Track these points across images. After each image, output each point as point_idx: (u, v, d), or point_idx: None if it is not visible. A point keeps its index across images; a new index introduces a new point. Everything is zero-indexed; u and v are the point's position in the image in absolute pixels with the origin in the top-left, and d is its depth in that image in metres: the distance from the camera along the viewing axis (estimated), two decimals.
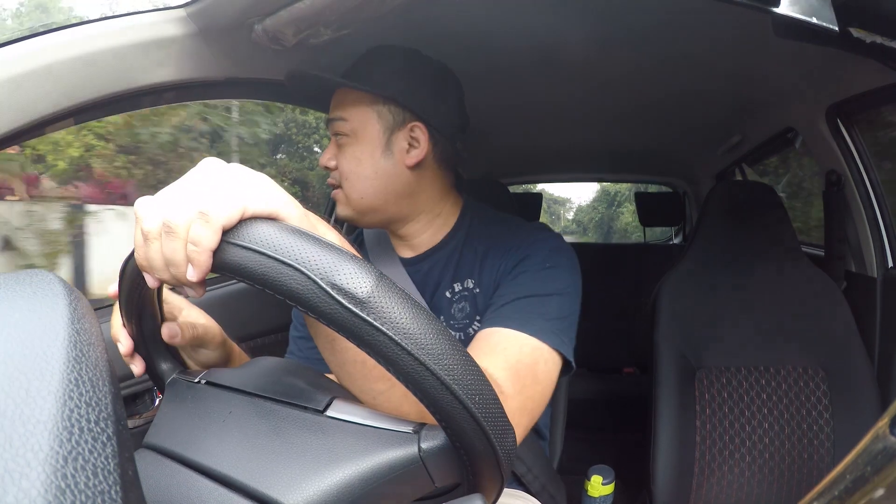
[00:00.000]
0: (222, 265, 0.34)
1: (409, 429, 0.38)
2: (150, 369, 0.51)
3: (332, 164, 0.74)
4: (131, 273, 0.41)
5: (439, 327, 0.32)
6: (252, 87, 0.89)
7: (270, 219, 0.35)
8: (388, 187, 0.73)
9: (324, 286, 0.31)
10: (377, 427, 0.38)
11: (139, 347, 0.50)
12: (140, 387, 0.81)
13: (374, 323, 0.30)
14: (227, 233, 0.34)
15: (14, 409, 0.20)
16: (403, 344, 0.31)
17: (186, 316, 0.54)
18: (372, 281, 0.31)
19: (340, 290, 0.31)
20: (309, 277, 0.31)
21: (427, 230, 0.78)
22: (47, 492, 0.18)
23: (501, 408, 0.35)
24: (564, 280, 0.68)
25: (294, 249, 0.32)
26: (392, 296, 0.31)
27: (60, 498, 0.18)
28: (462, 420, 0.33)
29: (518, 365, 0.59)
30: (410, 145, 0.73)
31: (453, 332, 0.74)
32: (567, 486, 0.90)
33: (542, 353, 0.61)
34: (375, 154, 0.72)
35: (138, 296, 0.44)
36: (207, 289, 0.99)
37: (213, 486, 0.34)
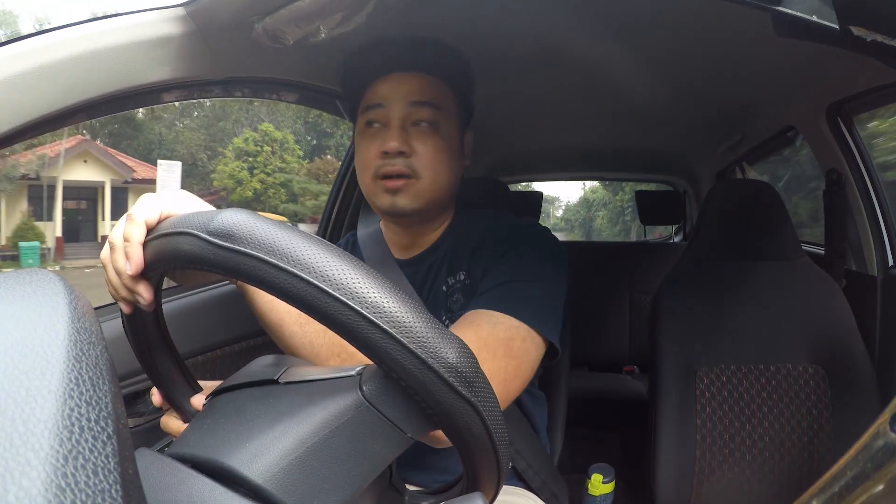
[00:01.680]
0: (152, 259, 0.40)
1: (352, 372, 0.37)
2: (177, 408, 0.53)
3: (406, 149, 0.69)
4: (123, 317, 0.47)
5: (305, 236, 0.33)
6: (252, 86, 0.89)
7: None
8: (454, 183, 0.76)
9: (202, 235, 0.34)
10: (324, 378, 0.38)
11: (162, 388, 0.53)
12: (140, 386, 0.81)
13: (241, 249, 0.32)
14: (149, 234, 0.41)
15: (14, 407, 0.20)
16: (272, 260, 0.32)
17: (209, 386, 0.58)
18: (239, 217, 0.34)
19: (214, 233, 0.34)
20: (192, 235, 0.35)
21: (437, 229, 0.80)
22: (48, 490, 0.18)
23: (425, 318, 0.32)
24: (548, 268, 0.70)
25: (183, 221, 0.37)
26: (257, 224, 0.33)
27: (61, 497, 0.18)
28: (361, 329, 0.31)
29: (489, 338, 0.60)
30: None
31: (451, 324, 0.74)
32: (567, 485, 0.90)
33: (519, 332, 0.62)
34: (455, 148, 0.75)
35: (141, 334, 0.48)
36: (207, 289, 1.00)
37: (213, 484, 0.34)
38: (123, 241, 0.42)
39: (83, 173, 13.30)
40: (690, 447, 1.07)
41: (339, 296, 0.31)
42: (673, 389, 1.09)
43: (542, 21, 0.86)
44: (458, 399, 0.33)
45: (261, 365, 0.44)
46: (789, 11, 0.44)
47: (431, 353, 0.32)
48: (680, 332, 1.13)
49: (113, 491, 0.20)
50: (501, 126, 1.54)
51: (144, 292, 0.43)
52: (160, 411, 0.56)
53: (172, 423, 0.55)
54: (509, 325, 0.61)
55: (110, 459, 0.20)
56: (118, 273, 0.43)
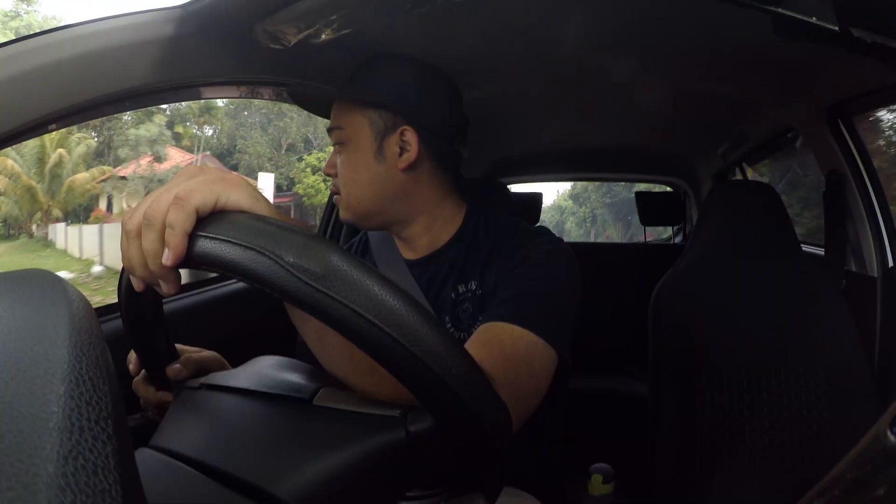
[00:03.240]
0: (200, 257, 0.35)
1: (395, 412, 0.38)
2: (162, 383, 0.53)
3: (332, 171, 0.78)
4: (126, 286, 0.43)
5: (401, 293, 0.32)
6: (252, 87, 0.89)
7: (241, 212, 0.37)
8: (384, 191, 0.75)
9: (287, 266, 0.31)
10: (364, 412, 0.38)
11: (148, 363, 0.52)
12: None
13: (334, 295, 0.31)
14: (200, 226, 0.36)
15: (14, 408, 0.20)
16: (367, 316, 0.31)
17: (187, 354, 0.58)
18: (331, 255, 0.32)
19: (300, 267, 0.31)
20: (273, 259, 0.32)
21: (428, 232, 0.79)
22: (48, 490, 0.18)
23: (482, 377, 0.34)
24: (562, 280, 0.70)
25: (261, 239, 0.33)
26: (351, 268, 0.32)
27: (61, 497, 0.18)
28: (433, 386, 0.32)
29: (512, 356, 0.60)
30: (402, 149, 0.74)
31: (457, 333, 0.74)
32: (567, 486, 0.90)
33: (538, 348, 0.62)
34: (369, 160, 0.74)
35: (135, 306, 0.46)
36: (209, 288, 0.99)
37: (213, 483, 0.34)
38: (166, 224, 0.36)
39: None
40: (690, 448, 1.07)
41: (429, 364, 0.31)
42: (673, 390, 1.09)
43: (541, 21, 0.86)
44: (493, 454, 0.36)
45: (280, 375, 0.43)
46: (789, 13, 0.44)
47: (487, 412, 0.34)
48: (680, 333, 1.13)
49: (113, 491, 0.20)
50: (501, 126, 1.54)
51: (174, 282, 0.38)
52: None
53: (143, 387, 0.55)
54: (528, 340, 0.62)
55: (110, 459, 0.20)
56: (147, 254, 0.37)
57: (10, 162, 14.76)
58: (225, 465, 0.36)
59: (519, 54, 1.00)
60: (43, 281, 0.28)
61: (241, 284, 1.03)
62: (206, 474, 0.35)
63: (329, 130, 0.78)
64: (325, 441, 0.36)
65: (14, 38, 0.60)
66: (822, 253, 1.31)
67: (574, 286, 0.71)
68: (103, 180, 16.64)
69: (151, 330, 0.49)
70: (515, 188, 2.48)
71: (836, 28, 0.43)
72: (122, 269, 0.42)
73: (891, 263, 1.14)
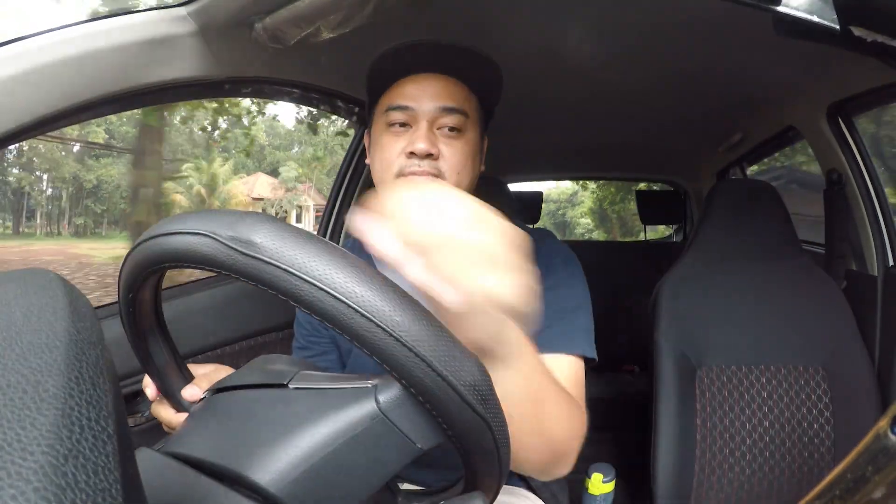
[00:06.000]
0: (164, 254, 0.38)
1: (368, 383, 0.37)
2: (170, 397, 0.54)
3: (435, 151, 0.68)
4: (126, 318, 0.46)
5: (334, 249, 0.33)
6: (253, 86, 0.89)
7: None
8: (471, 189, 0.75)
9: (223, 241, 0.34)
10: (338, 388, 0.38)
11: (155, 378, 0.52)
12: (140, 385, 0.81)
13: (264, 258, 0.32)
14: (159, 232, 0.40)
15: (13, 407, 0.20)
16: (295, 272, 0.32)
17: (200, 375, 0.58)
18: (263, 226, 0.34)
19: (236, 240, 0.33)
20: (208, 237, 0.34)
21: None
22: (47, 490, 0.18)
23: (447, 336, 0.33)
24: (581, 289, 0.73)
25: (197, 221, 0.36)
26: (280, 233, 0.33)
27: (60, 496, 0.18)
28: (386, 345, 0.31)
29: (578, 384, 0.65)
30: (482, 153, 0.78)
31: None
32: (568, 484, 0.90)
33: (582, 365, 0.67)
34: (477, 155, 0.74)
35: (140, 325, 0.47)
36: (208, 289, 0.99)
37: (213, 483, 0.34)
38: None
39: (302, 201, 27.36)
40: (690, 447, 1.07)
41: (364, 312, 0.31)
42: (673, 389, 1.09)
43: (542, 21, 0.86)
44: (475, 416, 0.33)
45: (267, 367, 0.44)
46: (789, 11, 0.44)
47: (453, 371, 0.32)
48: (680, 332, 1.13)
49: (113, 490, 0.20)
50: (501, 125, 1.54)
51: None
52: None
53: (163, 411, 0.55)
54: (576, 363, 0.66)
55: (111, 459, 0.20)
56: None
57: (202, 189, 22.00)
58: (212, 457, 0.36)
59: (520, 55, 0.99)
60: (43, 280, 0.28)
61: (240, 284, 1.03)
62: (199, 470, 0.35)
63: (446, 109, 0.69)
64: (301, 423, 0.36)
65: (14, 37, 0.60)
66: (822, 252, 1.31)
67: (587, 291, 0.74)
68: (258, 199, 25.69)
69: (156, 346, 0.50)
70: (514, 187, 2.48)
71: (837, 28, 0.43)
72: (119, 302, 0.45)
73: (891, 262, 1.14)
